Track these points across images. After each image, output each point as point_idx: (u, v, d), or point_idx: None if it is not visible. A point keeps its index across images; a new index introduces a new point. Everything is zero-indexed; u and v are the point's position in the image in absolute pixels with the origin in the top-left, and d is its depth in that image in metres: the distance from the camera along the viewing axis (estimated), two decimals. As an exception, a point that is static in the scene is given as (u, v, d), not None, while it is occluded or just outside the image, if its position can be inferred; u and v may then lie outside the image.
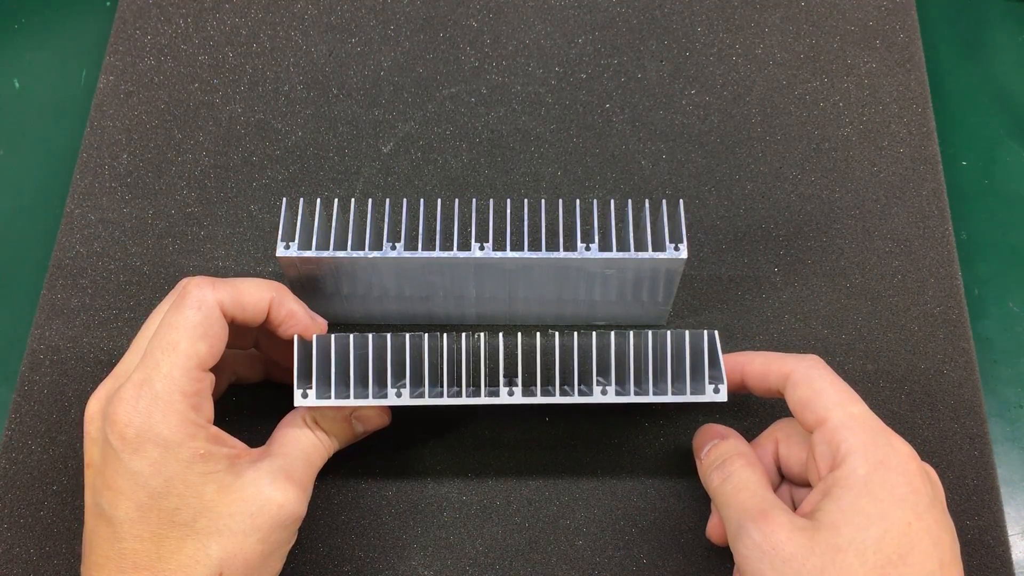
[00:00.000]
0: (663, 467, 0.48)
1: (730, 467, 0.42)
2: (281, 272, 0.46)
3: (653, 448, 0.49)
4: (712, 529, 0.45)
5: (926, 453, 0.48)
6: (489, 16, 0.60)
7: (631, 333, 0.43)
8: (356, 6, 0.60)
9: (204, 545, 0.37)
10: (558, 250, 0.44)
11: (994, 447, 0.49)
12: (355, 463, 0.48)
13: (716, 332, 0.42)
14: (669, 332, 0.43)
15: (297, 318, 0.42)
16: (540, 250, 0.44)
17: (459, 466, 0.48)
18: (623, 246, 0.45)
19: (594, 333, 0.44)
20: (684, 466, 0.48)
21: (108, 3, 0.65)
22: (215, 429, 0.39)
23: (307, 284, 0.46)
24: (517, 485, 0.48)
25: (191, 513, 0.37)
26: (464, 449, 0.48)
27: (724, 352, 0.43)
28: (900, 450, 0.38)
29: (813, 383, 0.40)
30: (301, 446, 0.41)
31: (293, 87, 0.57)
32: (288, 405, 0.42)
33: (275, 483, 0.39)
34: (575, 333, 0.44)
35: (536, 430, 0.49)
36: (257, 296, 0.41)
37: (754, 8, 0.60)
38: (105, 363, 0.50)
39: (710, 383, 0.42)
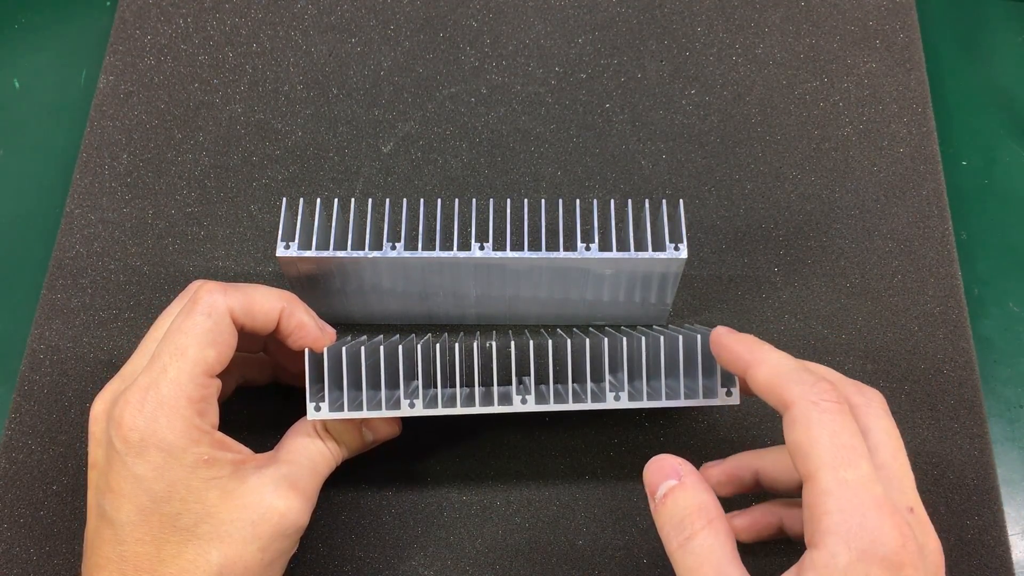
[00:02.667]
0: (663, 467, 0.48)
1: (690, 528, 0.35)
2: (281, 272, 0.46)
3: (653, 448, 0.49)
4: None
5: (926, 453, 0.48)
6: (489, 16, 0.60)
7: (643, 337, 0.43)
8: (356, 6, 0.60)
9: (204, 551, 0.37)
10: (558, 250, 0.44)
11: (994, 447, 0.49)
12: (355, 463, 0.47)
13: None
14: (680, 335, 0.43)
15: (307, 330, 0.42)
16: (540, 250, 0.44)
17: (459, 466, 0.48)
18: (623, 246, 0.45)
19: (605, 335, 0.43)
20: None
21: (108, 3, 0.65)
22: (220, 435, 0.39)
23: (307, 284, 0.46)
24: (517, 485, 0.48)
25: (193, 518, 0.37)
26: (464, 449, 0.48)
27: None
28: (889, 538, 0.32)
29: (811, 427, 0.34)
30: (308, 455, 0.41)
31: (293, 87, 0.57)
32: (296, 409, 0.42)
33: (278, 492, 0.38)
34: (587, 338, 0.43)
35: (536, 430, 0.49)
36: (268, 306, 0.41)
37: (754, 8, 0.60)
38: (105, 363, 0.50)
39: (722, 387, 0.42)
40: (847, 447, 0.33)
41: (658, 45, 0.59)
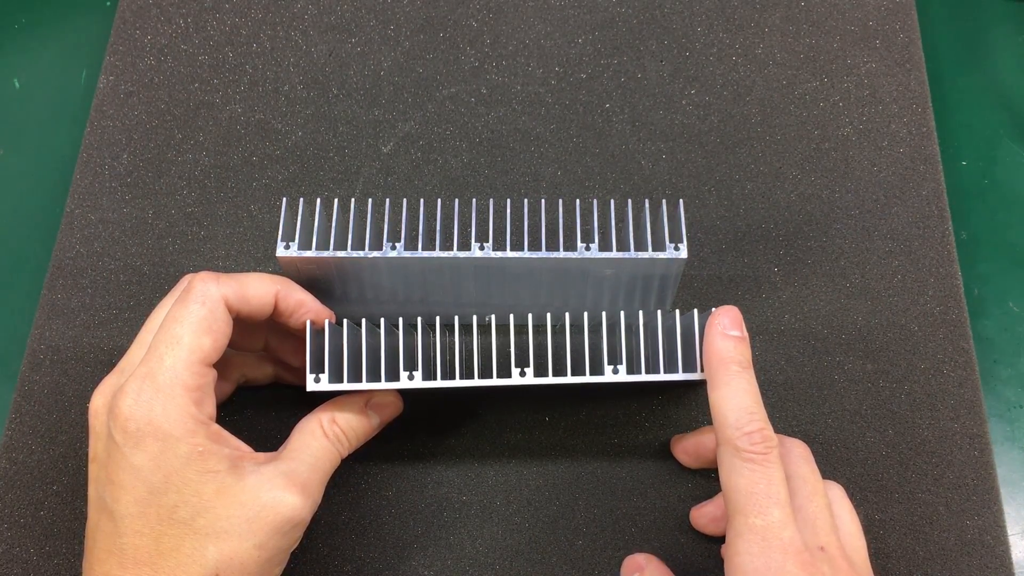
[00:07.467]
0: (663, 467, 0.48)
1: None
2: (281, 272, 0.46)
3: (653, 448, 0.49)
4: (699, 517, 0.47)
5: (926, 453, 0.48)
6: (489, 16, 0.60)
7: (640, 313, 0.44)
8: (356, 6, 0.60)
9: (202, 545, 0.37)
10: (558, 250, 0.44)
11: (994, 447, 0.49)
12: (356, 463, 0.48)
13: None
14: (677, 312, 0.43)
15: (308, 306, 0.43)
16: (540, 250, 0.44)
17: (459, 466, 0.48)
18: (623, 246, 0.45)
19: (603, 316, 0.44)
20: (684, 467, 0.48)
21: (108, 3, 0.65)
22: (216, 427, 0.39)
23: (307, 285, 0.46)
24: (517, 485, 0.48)
25: (190, 511, 0.37)
26: (464, 450, 0.48)
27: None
28: (791, 574, 0.36)
29: (731, 473, 0.38)
30: (310, 451, 0.41)
31: (293, 87, 0.57)
32: (298, 409, 0.42)
33: (275, 489, 0.38)
34: (584, 319, 0.44)
35: (536, 431, 0.49)
36: (262, 290, 0.41)
37: (754, 8, 0.60)
38: (105, 363, 0.50)
39: None
40: (761, 495, 0.37)
41: (658, 45, 0.59)
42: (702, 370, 0.42)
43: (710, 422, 0.49)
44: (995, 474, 0.48)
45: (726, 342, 0.41)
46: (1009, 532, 0.47)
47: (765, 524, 0.37)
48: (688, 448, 0.47)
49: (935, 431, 0.49)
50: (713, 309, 0.42)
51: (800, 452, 0.42)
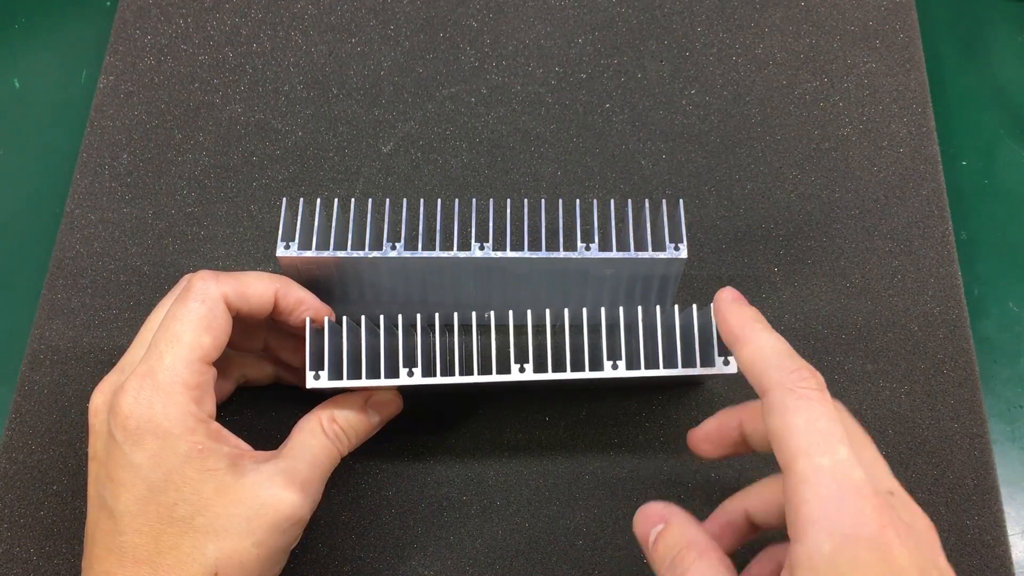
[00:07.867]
0: (663, 467, 0.48)
1: (682, 565, 0.35)
2: (282, 272, 0.46)
3: (653, 448, 0.49)
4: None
5: (926, 453, 0.48)
6: (489, 16, 0.60)
7: (639, 309, 0.44)
8: (356, 6, 0.60)
9: (201, 543, 0.37)
10: (558, 250, 0.44)
11: (994, 447, 0.49)
12: (355, 462, 0.48)
13: None
14: (676, 307, 0.43)
15: (307, 304, 0.43)
16: (540, 250, 0.44)
17: (459, 466, 0.48)
18: (623, 246, 0.45)
19: (603, 315, 0.44)
20: (685, 467, 0.48)
21: (108, 3, 0.65)
22: (216, 425, 0.39)
23: (307, 285, 0.46)
24: (517, 485, 0.48)
25: (189, 509, 0.37)
26: (464, 449, 0.48)
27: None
28: (871, 519, 0.31)
29: (787, 414, 0.33)
30: (310, 449, 0.41)
31: (293, 87, 0.57)
32: (298, 409, 0.42)
33: (274, 487, 0.38)
34: (583, 317, 0.44)
35: (536, 430, 0.49)
36: (261, 288, 0.41)
37: (754, 8, 0.60)
38: (105, 363, 0.50)
39: (719, 355, 0.42)
40: (823, 432, 0.32)
41: (658, 45, 0.59)
42: (702, 363, 0.42)
43: (709, 411, 0.49)
44: (995, 474, 0.48)
45: (741, 306, 0.38)
46: (1009, 532, 0.47)
47: (833, 464, 0.32)
48: (711, 435, 0.42)
49: (935, 431, 0.49)
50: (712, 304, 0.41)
51: (841, 407, 0.36)
